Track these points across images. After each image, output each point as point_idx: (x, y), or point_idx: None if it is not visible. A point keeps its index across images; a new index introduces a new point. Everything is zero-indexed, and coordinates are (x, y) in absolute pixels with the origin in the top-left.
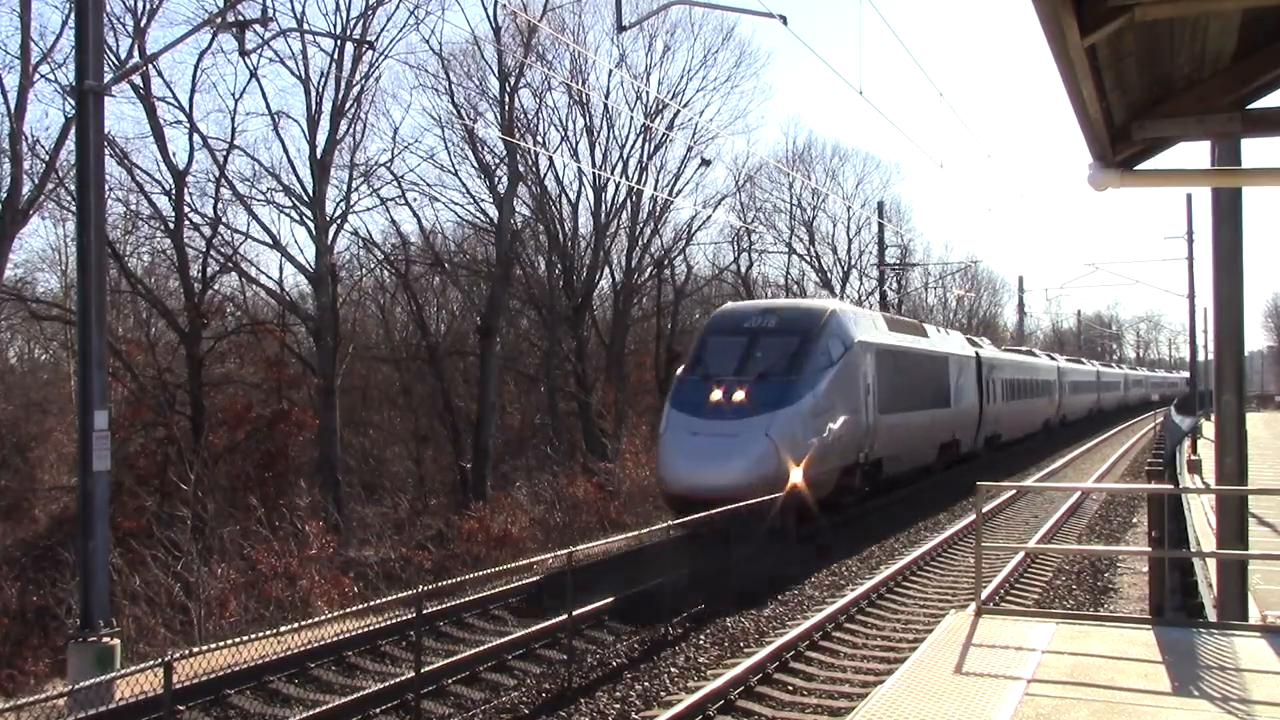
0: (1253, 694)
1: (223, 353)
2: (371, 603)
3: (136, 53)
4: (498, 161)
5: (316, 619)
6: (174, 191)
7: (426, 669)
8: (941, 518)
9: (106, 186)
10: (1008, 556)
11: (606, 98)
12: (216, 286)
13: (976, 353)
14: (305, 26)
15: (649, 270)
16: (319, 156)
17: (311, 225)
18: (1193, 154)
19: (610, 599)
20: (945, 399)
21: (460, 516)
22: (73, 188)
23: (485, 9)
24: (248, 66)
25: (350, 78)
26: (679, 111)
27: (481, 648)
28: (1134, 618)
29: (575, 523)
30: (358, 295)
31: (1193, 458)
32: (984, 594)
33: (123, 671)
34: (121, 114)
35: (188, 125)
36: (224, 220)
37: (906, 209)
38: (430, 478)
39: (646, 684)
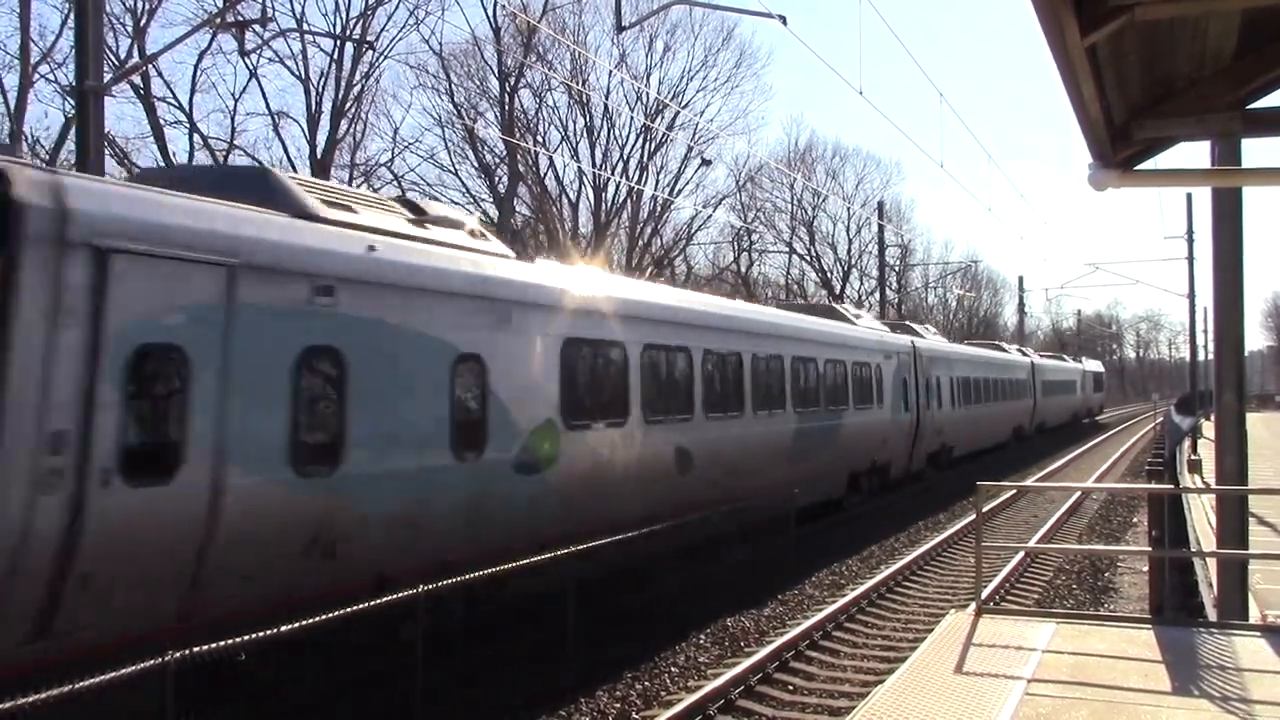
0: (1253, 693)
1: None
2: (371, 603)
3: (136, 53)
4: (498, 161)
5: (316, 618)
6: None
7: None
8: (941, 517)
9: None
10: (1008, 556)
11: (607, 98)
12: None
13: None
14: (305, 26)
15: (649, 270)
16: (319, 156)
17: None
18: (1193, 154)
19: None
20: None
21: None
22: None
23: (485, 9)
24: (247, 66)
25: (350, 78)
26: (679, 112)
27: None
28: (1134, 617)
29: None
30: None
31: (1193, 457)
32: (984, 594)
33: (121, 672)
34: (121, 114)
35: (188, 125)
36: None
37: (907, 209)
38: None
39: (647, 683)
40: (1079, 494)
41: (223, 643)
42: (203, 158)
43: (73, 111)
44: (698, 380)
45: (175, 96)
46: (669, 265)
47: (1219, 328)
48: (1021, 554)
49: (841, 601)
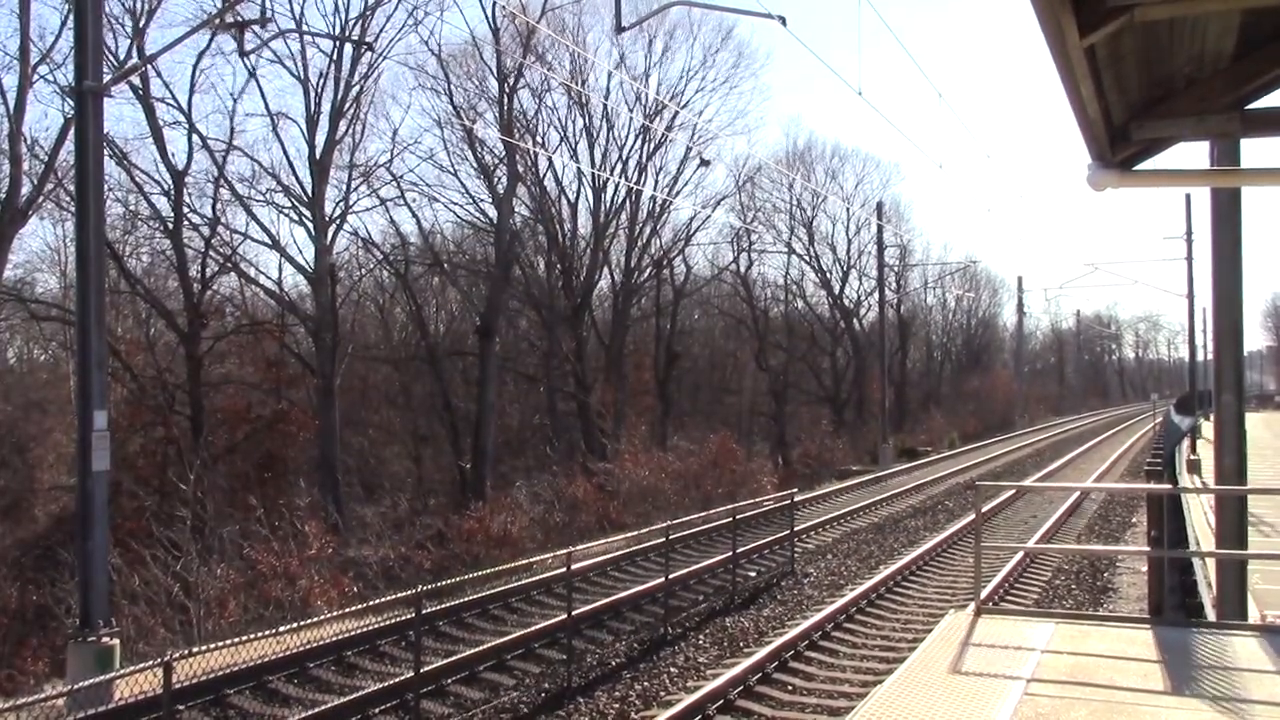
0: (1252, 694)
1: (222, 353)
2: (371, 603)
3: (135, 53)
4: (497, 162)
5: (316, 619)
6: (173, 192)
7: (426, 669)
8: (940, 518)
9: (105, 187)
10: (1007, 556)
11: (606, 98)
12: (215, 287)
13: None
14: (304, 27)
15: (648, 270)
16: (318, 157)
17: (310, 226)
18: (1192, 154)
19: (610, 599)
20: None
21: (460, 516)
22: (72, 188)
23: (484, 10)
24: (246, 67)
25: (349, 78)
26: (678, 112)
27: (481, 647)
28: (1133, 617)
29: (574, 523)
30: (357, 295)
31: (1192, 457)
32: (983, 594)
33: (121, 671)
34: (120, 115)
35: (187, 126)
36: (223, 221)
37: (906, 209)
38: (429, 477)
39: (646, 684)
40: (1078, 494)
41: (224, 643)
42: (202, 158)
43: (72, 112)
44: None
45: (174, 97)
46: (668, 265)
47: (1218, 328)
48: (1021, 554)
49: (841, 602)
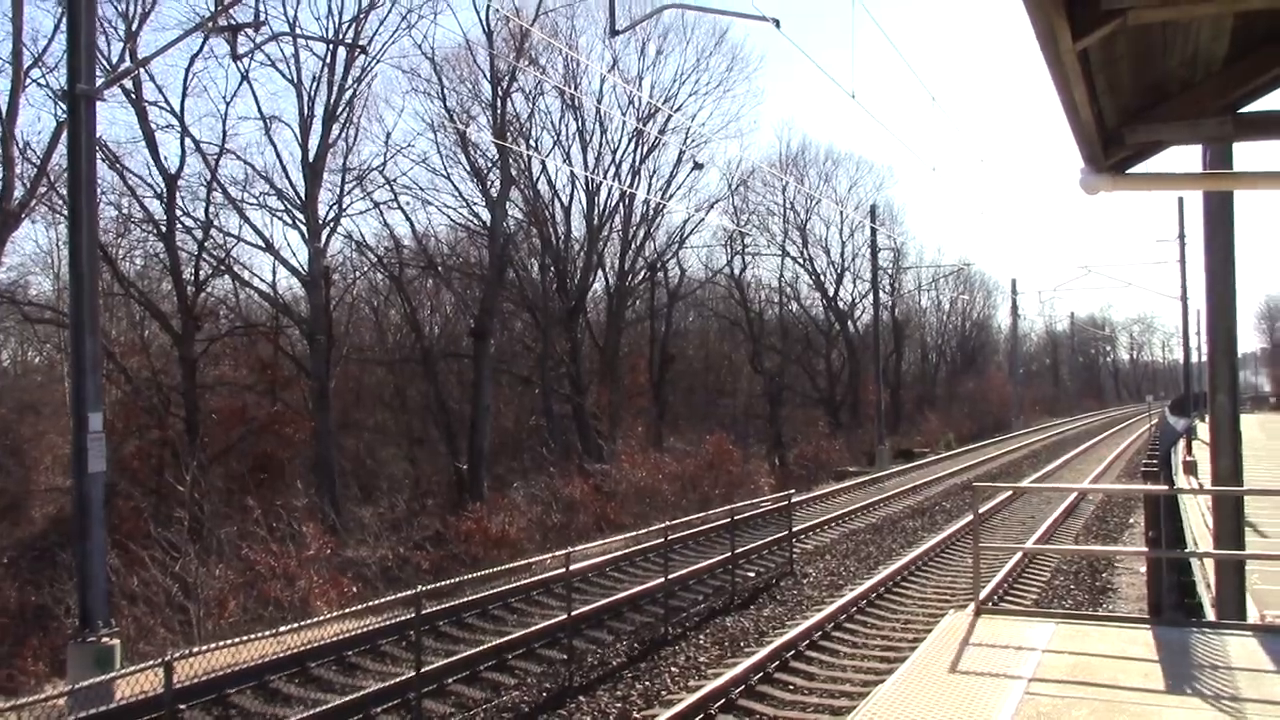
0: (1251, 693)
1: (216, 355)
2: (371, 603)
3: (128, 57)
4: (490, 165)
5: (316, 619)
6: (166, 195)
7: (427, 668)
8: (938, 518)
9: (98, 190)
10: (1006, 557)
11: (599, 102)
12: (209, 289)
13: None
14: (297, 30)
15: (642, 273)
16: (311, 160)
17: (304, 228)
18: (1185, 157)
19: (610, 599)
20: None
21: (457, 517)
22: (65, 191)
23: (477, 13)
24: (239, 70)
25: (342, 81)
26: (671, 115)
27: (481, 647)
28: (1133, 617)
29: (572, 523)
30: (351, 298)
31: (1188, 459)
32: (983, 594)
33: (122, 671)
34: (113, 118)
35: (179, 129)
36: (216, 224)
37: (899, 212)
38: (425, 479)
39: (647, 683)
40: (1075, 495)
41: (225, 642)
42: (195, 162)
43: (64, 115)
44: None
45: (167, 100)
46: (662, 268)
47: (1212, 330)
48: (1019, 555)
49: (840, 602)
